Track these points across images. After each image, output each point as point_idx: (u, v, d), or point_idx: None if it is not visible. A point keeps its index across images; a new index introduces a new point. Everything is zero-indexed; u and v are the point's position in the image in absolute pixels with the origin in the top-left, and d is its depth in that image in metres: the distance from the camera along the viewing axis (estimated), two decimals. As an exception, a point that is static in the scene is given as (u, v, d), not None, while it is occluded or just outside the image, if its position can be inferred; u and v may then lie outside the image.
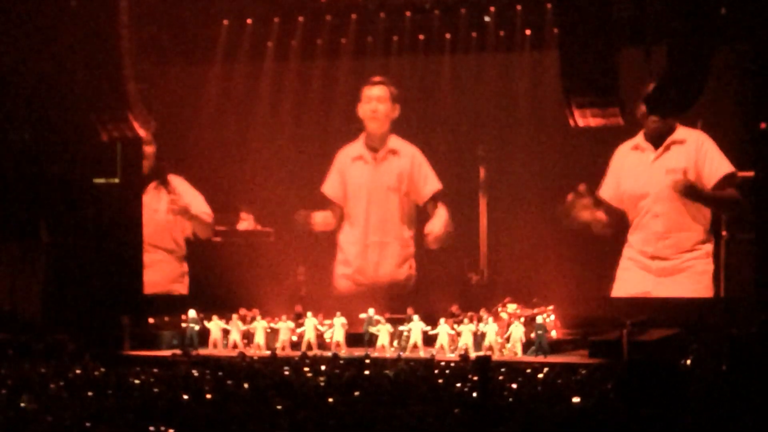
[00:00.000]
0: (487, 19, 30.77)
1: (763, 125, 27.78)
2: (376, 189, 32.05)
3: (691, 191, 29.57)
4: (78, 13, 28.39)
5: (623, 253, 30.34)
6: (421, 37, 31.21)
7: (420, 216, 31.99)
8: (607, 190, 30.51)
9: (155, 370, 22.04)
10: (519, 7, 30.34)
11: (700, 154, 29.55)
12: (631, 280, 30.21)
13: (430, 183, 31.83)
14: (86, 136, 29.90)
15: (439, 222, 31.56)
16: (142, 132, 29.13)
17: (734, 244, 29.40)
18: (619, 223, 30.41)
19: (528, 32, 30.42)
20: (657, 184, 29.92)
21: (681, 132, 29.86)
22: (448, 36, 31.05)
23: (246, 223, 33.29)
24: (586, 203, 30.49)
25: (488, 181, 31.28)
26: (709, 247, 29.69)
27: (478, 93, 31.25)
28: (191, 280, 32.72)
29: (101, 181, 32.33)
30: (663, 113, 28.42)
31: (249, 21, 31.81)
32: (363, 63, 31.97)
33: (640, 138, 30.30)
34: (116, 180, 32.34)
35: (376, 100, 31.82)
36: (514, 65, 31.04)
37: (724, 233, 29.61)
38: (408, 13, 31.14)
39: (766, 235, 27.72)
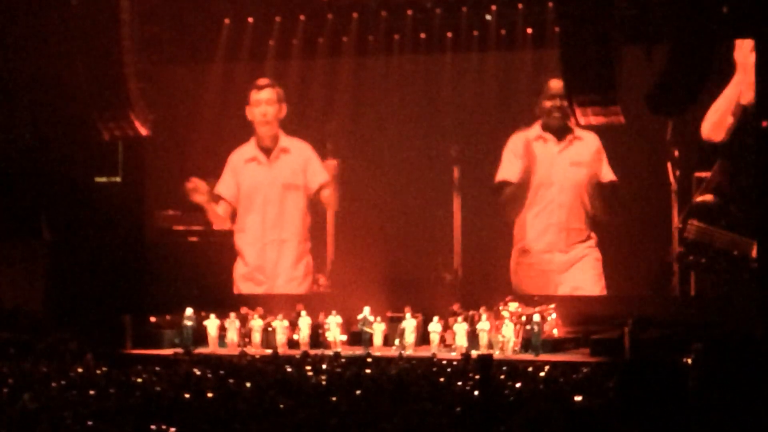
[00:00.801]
0: (488, 17, 30.74)
1: (764, 123, 27.75)
2: (272, 187, 32.43)
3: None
4: (79, 12, 28.38)
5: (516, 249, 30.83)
6: (423, 35, 31.18)
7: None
8: (508, 172, 30.88)
9: (157, 369, 22.06)
10: (520, 6, 30.33)
11: (596, 155, 30.23)
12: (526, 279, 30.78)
13: (318, 175, 32.24)
14: (88, 134, 29.92)
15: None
16: (143, 131, 29.14)
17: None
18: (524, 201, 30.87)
19: (529, 31, 30.40)
20: (562, 175, 30.61)
21: (578, 130, 30.35)
22: (449, 35, 31.04)
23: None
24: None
25: (462, 181, 31.56)
26: (594, 237, 30.42)
27: (459, 92, 31.38)
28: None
29: (103, 179, 32.37)
30: (664, 112, 28.43)
31: (250, 20, 31.79)
32: (365, 61, 31.97)
33: (538, 129, 30.86)
34: (118, 179, 32.38)
35: (265, 103, 32.24)
36: (515, 63, 31.11)
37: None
38: (410, 12, 31.12)
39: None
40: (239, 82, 32.32)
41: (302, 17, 31.60)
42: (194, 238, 32.97)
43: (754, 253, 28.52)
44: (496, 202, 31.00)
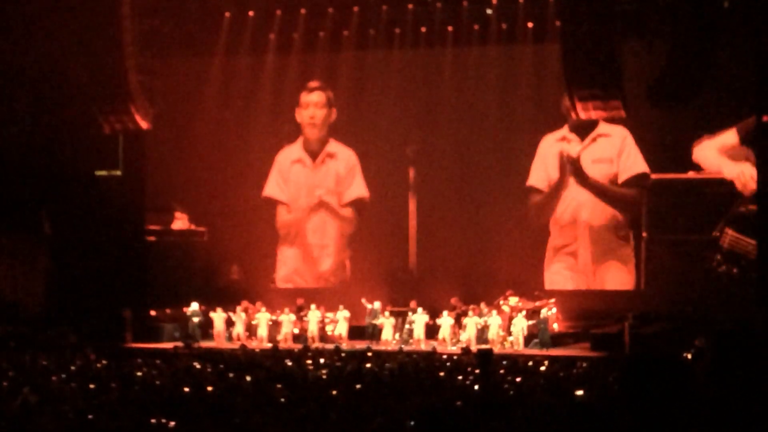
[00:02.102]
0: (489, 11, 30.71)
1: (765, 118, 27.72)
2: (313, 191, 32.50)
3: (577, 173, 30.23)
4: (80, 5, 28.36)
5: (549, 243, 30.91)
6: (423, 29, 31.16)
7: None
8: (536, 178, 30.99)
9: (158, 362, 22.04)
10: (521, 0, 30.30)
11: (622, 148, 30.22)
12: (560, 273, 30.73)
13: (355, 188, 32.33)
14: (88, 128, 29.91)
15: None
16: (143, 124, 29.13)
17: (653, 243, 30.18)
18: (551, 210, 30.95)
19: (530, 25, 30.38)
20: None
21: (604, 127, 30.40)
22: (450, 29, 31.01)
23: (180, 222, 33.41)
24: None
25: (418, 182, 31.61)
26: (625, 231, 30.35)
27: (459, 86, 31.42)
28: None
29: (103, 173, 32.35)
30: (665, 105, 28.41)
31: (251, 13, 31.77)
32: (365, 55, 31.94)
33: (565, 130, 30.85)
34: (118, 172, 32.36)
35: (313, 106, 32.21)
36: (515, 58, 31.12)
37: (644, 234, 30.18)
38: (410, 6, 31.09)
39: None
40: (240, 75, 32.30)
41: (303, 11, 31.58)
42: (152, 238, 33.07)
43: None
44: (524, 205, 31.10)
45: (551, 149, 30.80)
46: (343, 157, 32.40)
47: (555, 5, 29.14)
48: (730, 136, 29.46)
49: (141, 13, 29.88)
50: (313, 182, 32.54)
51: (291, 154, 32.66)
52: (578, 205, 30.49)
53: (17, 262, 32.16)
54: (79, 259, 31.39)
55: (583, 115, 26.97)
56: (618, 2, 27.22)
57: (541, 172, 30.87)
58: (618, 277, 30.37)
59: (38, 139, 31.47)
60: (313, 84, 32.11)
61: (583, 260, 30.47)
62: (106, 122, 29.12)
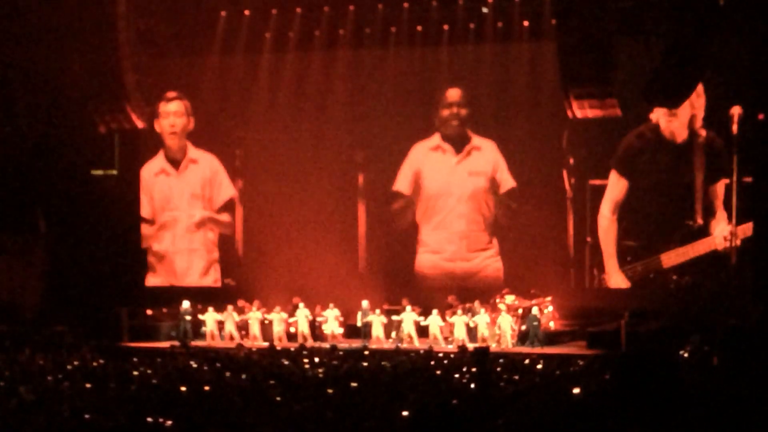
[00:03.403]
0: (485, 10, 30.70)
1: (761, 116, 27.75)
2: (182, 197, 32.64)
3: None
4: (76, 5, 28.33)
5: (418, 256, 31.24)
6: (419, 28, 31.15)
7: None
8: (403, 184, 31.32)
9: (154, 361, 22.03)
10: (517, -2, 30.35)
11: (496, 164, 30.72)
12: (431, 281, 31.02)
13: (225, 189, 32.51)
14: (84, 127, 29.89)
15: None
16: (139, 123, 29.13)
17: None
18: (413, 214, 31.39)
19: (526, 23, 30.37)
20: (460, 185, 30.99)
21: (476, 140, 30.94)
22: (446, 27, 31.00)
23: None
24: None
25: (366, 187, 31.75)
26: (495, 245, 30.87)
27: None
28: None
29: (99, 172, 32.33)
30: (660, 104, 28.43)
31: (247, 12, 31.74)
32: (361, 54, 31.91)
33: (437, 139, 31.21)
34: (114, 172, 32.35)
35: (173, 115, 32.37)
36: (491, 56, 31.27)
37: (588, 239, 30.24)
38: (406, 5, 31.08)
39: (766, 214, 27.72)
40: (235, 74, 32.27)
41: (298, 10, 31.56)
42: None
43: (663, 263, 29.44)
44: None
45: (426, 158, 31.32)
46: (205, 162, 32.53)
47: (551, 3, 29.13)
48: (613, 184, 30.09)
49: (137, 13, 29.87)
50: (178, 190, 32.67)
51: (153, 167, 32.82)
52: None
53: (13, 261, 32.13)
54: (75, 258, 31.37)
55: (578, 114, 26.99)
56: (613, 1, 27.21)
57: (407, 179, 31.29)
58: None
59: (34, 138, 31.44)
60: (171, 94, 32.26)
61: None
62: (102, 121, 29.12)
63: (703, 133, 29.29)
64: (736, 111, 28.37)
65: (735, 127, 28.44)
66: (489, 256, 30.89)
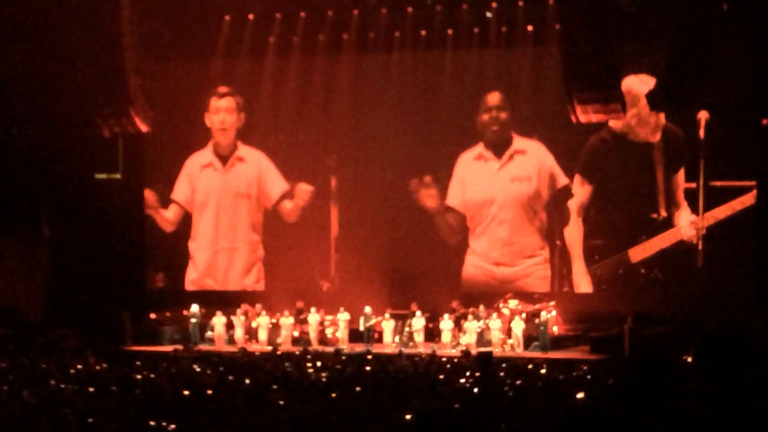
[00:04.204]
0: (489, 15, 30.72)
1: (765, 121, 27.73)
2: (226, 195, 32.56)
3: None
4: (79, 8, 28.36)
5: (466, 260, 31.01)
6: (423, 32, 31.17)
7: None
8: (453, 198, 31.22)
9: (158, 365, 22.03)
10: (521, 3, 30.32)
11: (542, 165, 30.51)
12: (478, 286, 30.78)
13: (278, 185, 32.33)
14: (88, 131, 29.91)
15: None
16: (143, 127, 29.14)
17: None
18: (465, 230, 31.17)
19: (530, 28, 30.37)
20: (502, 192, 30.80)
21: (519, 142, 30.74)
22: (450, 32, 31.01)
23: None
24: (431, 193, 31.05)
25: (340, 191, 31.72)
26: (545, 253, 30.63)
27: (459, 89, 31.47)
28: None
29: (103, 176, 32.35)
30: (665, 109, 28.46)
31: (251, 16, 31.78)
32: (364, 58, 31.92)
33: (481, 147, 31.07)
34: (118, 176, 32.37)
35: (224, 111, 32.31)
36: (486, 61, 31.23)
37: (558, 242, 30.45)
38: (410, 9, 31.10)
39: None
40: (239, 78, 32.29)
41: (302, 14, 31.60)
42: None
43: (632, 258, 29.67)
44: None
45: (469, 168, 31.12)
46: (253, 161, 32.46)
47: (555, 8, 29.15)
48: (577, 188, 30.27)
49: (141, 16, 29.92)
50: (223, 186, 32.60)
51: (201, 158, 32.68)
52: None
53: (17, 265, 32.15)
54: (78, 262, 31.40)
55: (582, 119, 27.01)
56: (618, 5, 27.22)
57: (458, 190, 31.12)
58: None
59: (38, 142, 31.45)
60: (223, 89, 32.19)
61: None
62: (106, 125, 29.14)
63: (660, 127, 29.57)
64: (703, 116, 28.63)
65: (702, 132, 28.73)
66: (536, 263, 30.59)
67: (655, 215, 29.56)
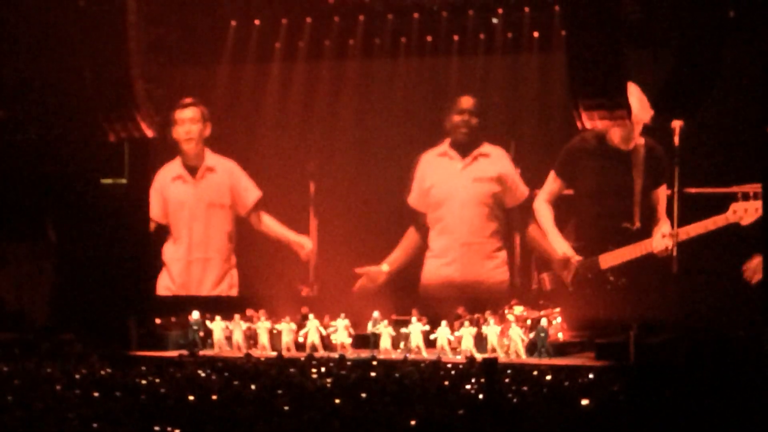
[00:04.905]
0: (495, 21, 30.73)
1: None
2: (198, 206, 32.52)
3: None
4: (86, 13, 28.39)
5: (425, 264, 31.16)
6: (429, 38, 31.19)
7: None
8: (414, 198, 31.28)
9: (163, 370, 22.03)
10: (527, 9, 30.34)
11: (507, 171, 30.64)
12: (435, 292, 30.84)
13: (251, 192, 32.30)
14: (94, 136, 29.92)
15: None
16: (149, 132, 29.17)
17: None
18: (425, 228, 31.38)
19: (536, 34, 30.39)
20: (464, 191, 30.80)
21: (486, 147, 30.84)
22: (456, 38, 31.03)
23: None
24: None
25: (318, 196, 31.73)
26: (504, 254, 30.78)
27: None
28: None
29: (109, 181, 32.35)
30: (672, 115, 28.47)
31: (257, 22, 31.81)
32: (370, 64, 31.93)
33: (446, 146, 31.13)
34: (124, 180, 32.36)
35: (189, 122, 32.28)
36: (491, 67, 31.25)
37: (518, 241, 30.78)
38: (416, 15, 31.12)
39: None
40: (245, 84, 32.31)
41: (309, 20, 31.61)
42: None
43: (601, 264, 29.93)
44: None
45: (431, 165, 31.20)
46: (223, 170, 32.45)
47: (561, 15, 29.15)
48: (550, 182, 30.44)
49: (147, 22, 29.94)
50: (195, 198, 32.57)
51: (170, 171, 32.66)
52: None
53: (22, 270, 32.18)
54: (84, 267, 31.37)
55: (588, 125, 27.02)
56: (624, 12, 27.22)
57: (419, 189, 31.24)
58: None
59: (43, 147, 31.48)
60: (186, 100, 32.18)
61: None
62: (112, 130, 29.14)
63: (642, 141, 29.65)
64: (677, 124, 28.68)
65: (677, 139, 28.79)
66: (495, 267, 30.82)
67: (628, 225, 29.63)
